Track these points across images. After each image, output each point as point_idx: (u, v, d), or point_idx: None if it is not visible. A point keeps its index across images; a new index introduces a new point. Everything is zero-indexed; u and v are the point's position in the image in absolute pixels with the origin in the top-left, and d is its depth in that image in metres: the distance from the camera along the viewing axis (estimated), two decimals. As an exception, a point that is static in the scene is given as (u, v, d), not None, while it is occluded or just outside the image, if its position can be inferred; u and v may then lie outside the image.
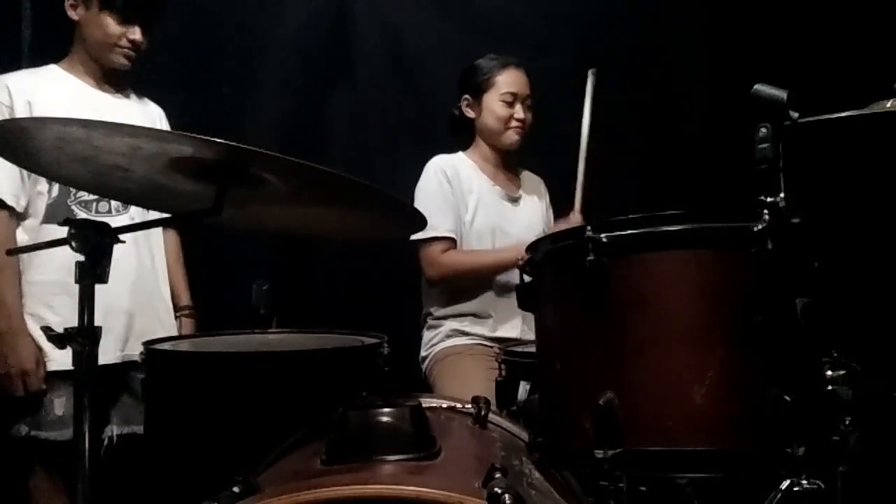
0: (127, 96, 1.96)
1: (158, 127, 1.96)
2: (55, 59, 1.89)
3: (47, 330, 1.08)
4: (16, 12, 2.42)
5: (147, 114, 1.99)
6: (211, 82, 2.63)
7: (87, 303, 1.05)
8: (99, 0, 1.80)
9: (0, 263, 1.69)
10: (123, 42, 1.83)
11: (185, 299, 2.05)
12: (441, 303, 2.17)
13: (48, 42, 2.32)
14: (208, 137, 0.94)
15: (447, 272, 2.13)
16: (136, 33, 1.83)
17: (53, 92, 1.81)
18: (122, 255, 1.78)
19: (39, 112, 1.73)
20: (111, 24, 1.81)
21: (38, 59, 1.98)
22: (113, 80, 1.91)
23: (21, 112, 1.73)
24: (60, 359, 1.65)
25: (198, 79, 2.58)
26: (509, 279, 2.11)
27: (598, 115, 2.21)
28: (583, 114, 2.20)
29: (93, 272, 1.05)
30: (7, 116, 1.72)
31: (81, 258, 1.06)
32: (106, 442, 1.77)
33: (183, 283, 2.06)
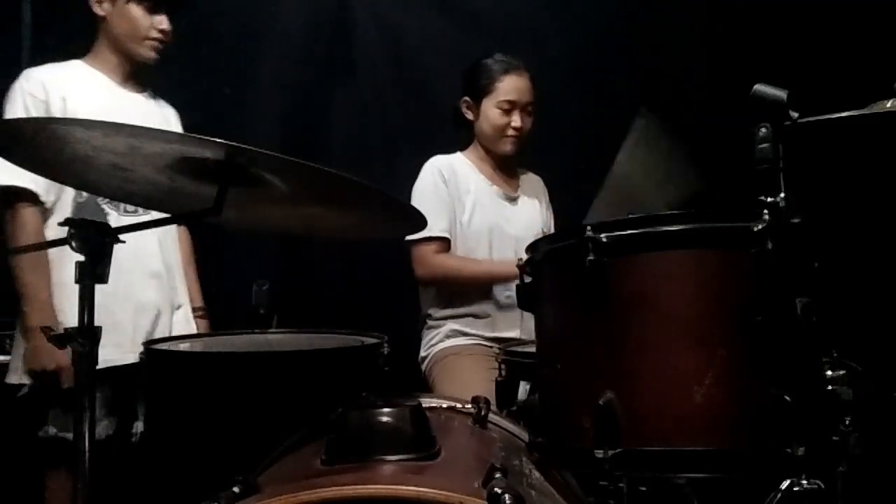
0: (148, 94, 1.96)
1: (171, 128, 1.95)
2: (54, 59, 1.88)
3: (47, 330, 1.08)
4: (16, 12, 2.42)
5: (163, 114, 1.99)
6: (211, 82, 2.63)
7: (87, 303, 1.05)
8: None
9: (34, 261, 1.68)
10: (153, 33, 1.82)
11: (197, 300, 2.04)
12: (439, 303, 2.17)
13: (48, 42, 2.32)
14: (208, 137, 0.94)
15: (437, 274, 2.12)
16: (164, 23, 1.82)
17: (86, 90, 1.80)
18: (149, 253, 1.80)
19: (73, 109, 1.72)
20: (140, 15, 1.80)
21: (39, 59, 1.96)
22: (137, 76, 1.90)
23: (56, 107, 1.72)
24: None
25: (198, 79, 2.58)
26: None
27: (641, 157, 1.94)
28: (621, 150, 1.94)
29: (93, 272, 1.05)
30: (43, 111, 1.71)
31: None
32: (133, 438, 1.77)
33: (196, 284, 2.05)
